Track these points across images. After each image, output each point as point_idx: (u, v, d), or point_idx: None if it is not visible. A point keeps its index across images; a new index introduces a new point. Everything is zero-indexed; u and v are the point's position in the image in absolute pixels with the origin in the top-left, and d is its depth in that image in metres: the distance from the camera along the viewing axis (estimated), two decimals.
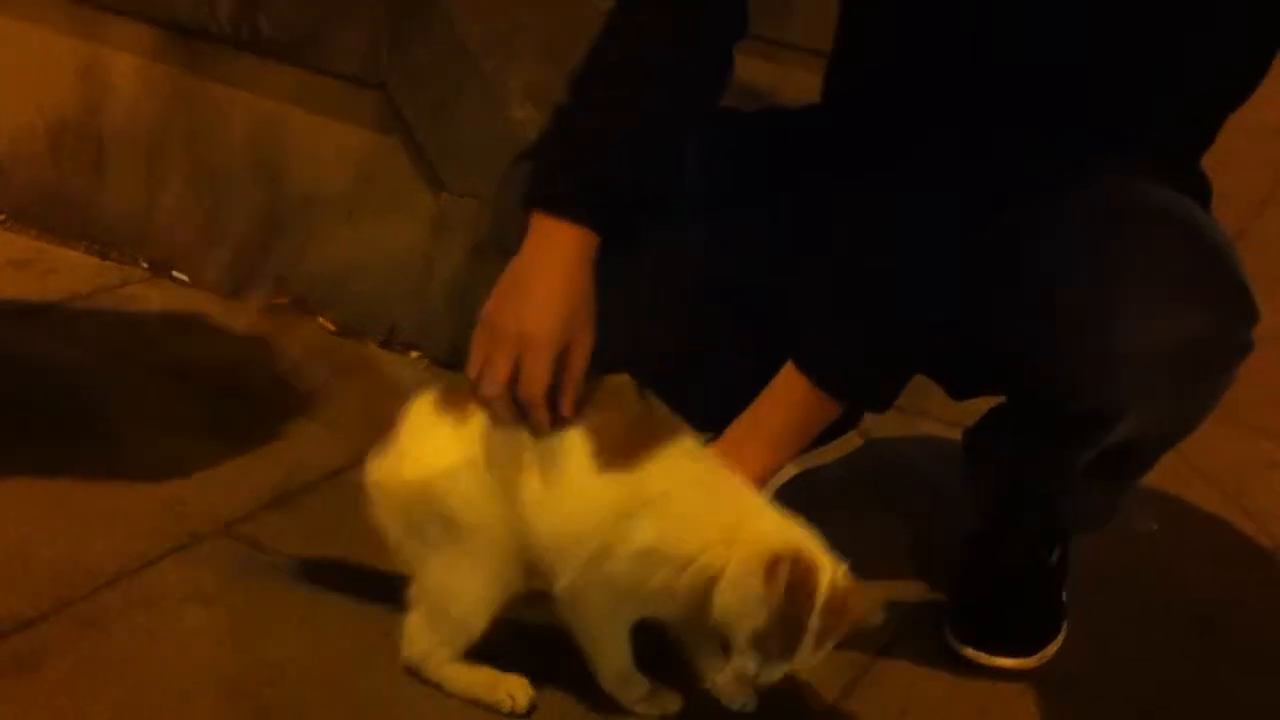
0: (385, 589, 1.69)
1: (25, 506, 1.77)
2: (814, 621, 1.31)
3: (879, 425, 2.01)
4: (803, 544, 1.36)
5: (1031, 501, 1.74)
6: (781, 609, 1.31)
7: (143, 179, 2.45)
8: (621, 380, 1.47)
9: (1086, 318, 1.46)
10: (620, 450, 1.42)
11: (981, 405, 1.72)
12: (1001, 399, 1.70)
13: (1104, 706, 1.71)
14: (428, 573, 1.52)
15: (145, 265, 2.45)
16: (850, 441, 1.95)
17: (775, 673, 1.36)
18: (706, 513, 1.40)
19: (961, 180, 1.49)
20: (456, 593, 1.51)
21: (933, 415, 2.19)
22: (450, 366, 2.26)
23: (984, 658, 1.73)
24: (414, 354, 2.31)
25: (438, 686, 1.54)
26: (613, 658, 1.51)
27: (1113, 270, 1.46)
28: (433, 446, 1.50)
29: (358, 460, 1.94)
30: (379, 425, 1.92)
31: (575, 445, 1.43)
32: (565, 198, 1.45)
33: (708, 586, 1.38)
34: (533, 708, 1.54)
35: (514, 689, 1.54)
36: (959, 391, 1.75)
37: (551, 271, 1.44)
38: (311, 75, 2.33)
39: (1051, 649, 1.76)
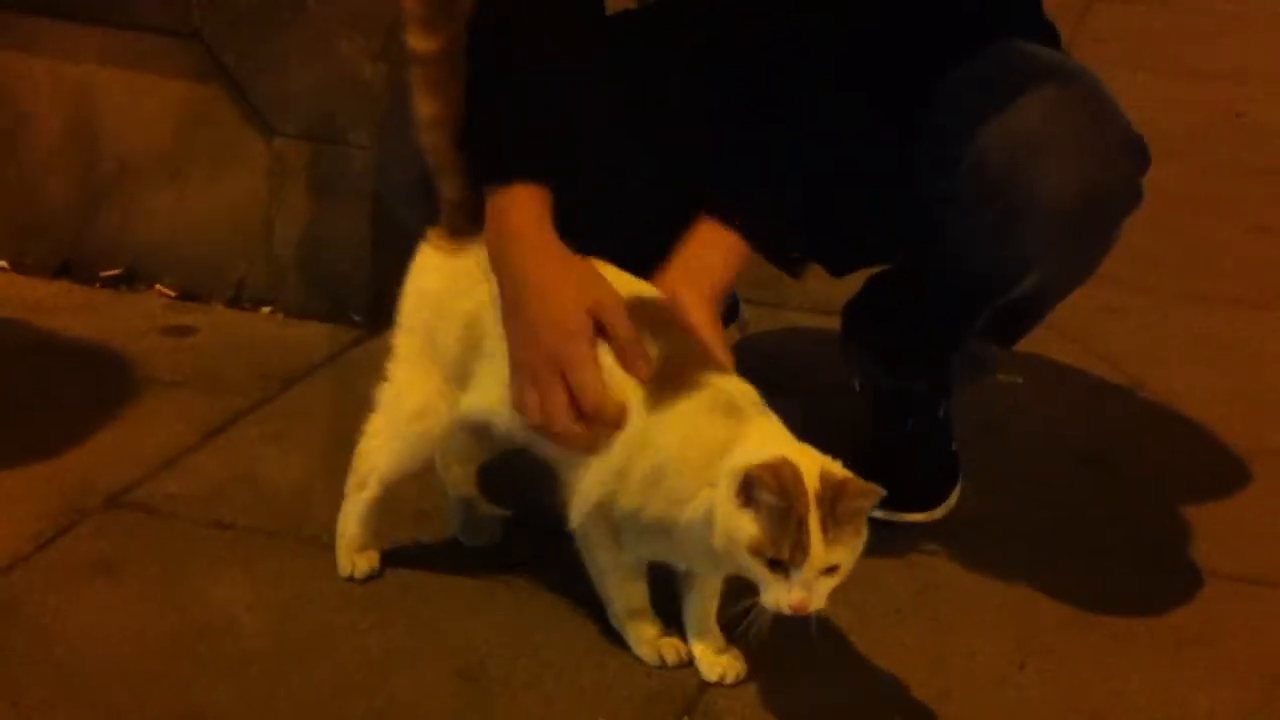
0: (292, 528, 1.69)
1: None
2: (811, 513, 1.29)
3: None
4: (782, 452, 1.33)
5: (925, 362, 1.79)
6: (770, 511, 1.29)
7: None
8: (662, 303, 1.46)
9: (992, 178, 1.51)
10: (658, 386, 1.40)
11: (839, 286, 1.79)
12: (876, 270, 1.75)
13: (1011, 544, 1.78)
14: (398, 373, 1.54)
15: None
16: (730, 336, 1.97)
17: (809, 587, 1.30)
18: (704, 451, 1.37)
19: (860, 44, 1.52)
20: (417, 402, 1.52)
21: (792, 306, 2.26)
22: (305, 317, 2.21)
23: (893, 515, 1.78)
24: (265, 309, 2.24)
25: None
26: (623, 595, 1.50)
27: (1015, 132, 1.50)
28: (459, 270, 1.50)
29: (231, 419, 1.92)
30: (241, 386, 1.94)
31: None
32: (503, 164, 1.45)
33: (706, 521, 1.36)
34: (370, 578, 1.59)
35: (359, 560, 1.59)
36: (840, 267, 1.79)
37: (528, 260, 1.43)
38: (118, 32, 2.22)
39: (953, 498, 1.82)
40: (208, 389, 2.00)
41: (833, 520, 1.29)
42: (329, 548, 1.62)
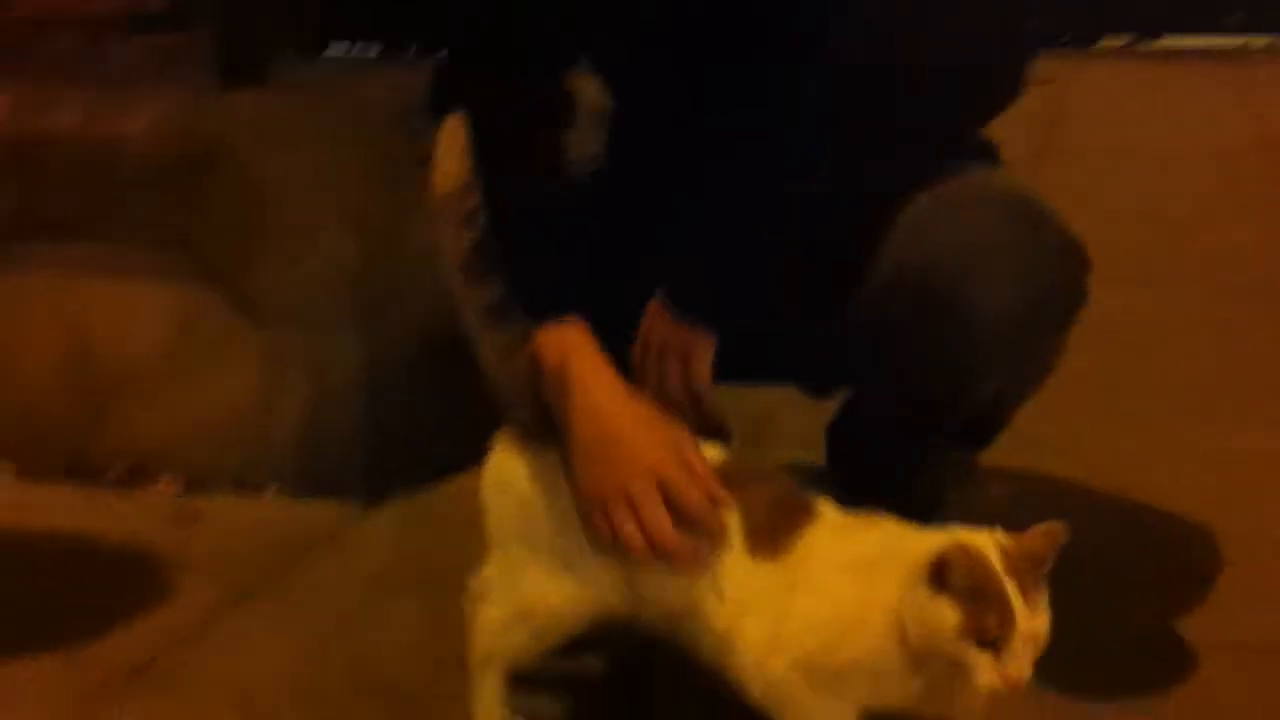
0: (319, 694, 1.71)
1: None
2: (1007, 582, 1.29)
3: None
4: (947, 536, 1.34)
5: (894, 481, 1.84)
6: (968, 592, 1.29)
7: None
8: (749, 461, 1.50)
9: (942, 295, 1.58)
10: (767, 531, 1.42)
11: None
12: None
13: None
14: (524, 577, 1.51)
15: None
16: None
17: (1018, 659, 1.29)
18: (855, 572, 1.38)
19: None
20: (548, 603, 1.50)
21: (774, 444, 2.32)
22: (307, 496, 2.26)
23: None
24: (267, 494, 2.30)
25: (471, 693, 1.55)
26: None
27: (961, 251, 1.59)
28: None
29: (235, 600, 1.96)
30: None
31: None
32: (551, 304, 1.51)
33: (897, 636, 1.35)
34: None
35: None
36: (819, 390, 1.86)
37: (603, 391, 1.47)
38: (109, 246, 2.33)
39: None
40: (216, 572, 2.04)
41: (1028, 583, 1.30)
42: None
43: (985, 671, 1.29)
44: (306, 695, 1.73)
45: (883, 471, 1.85)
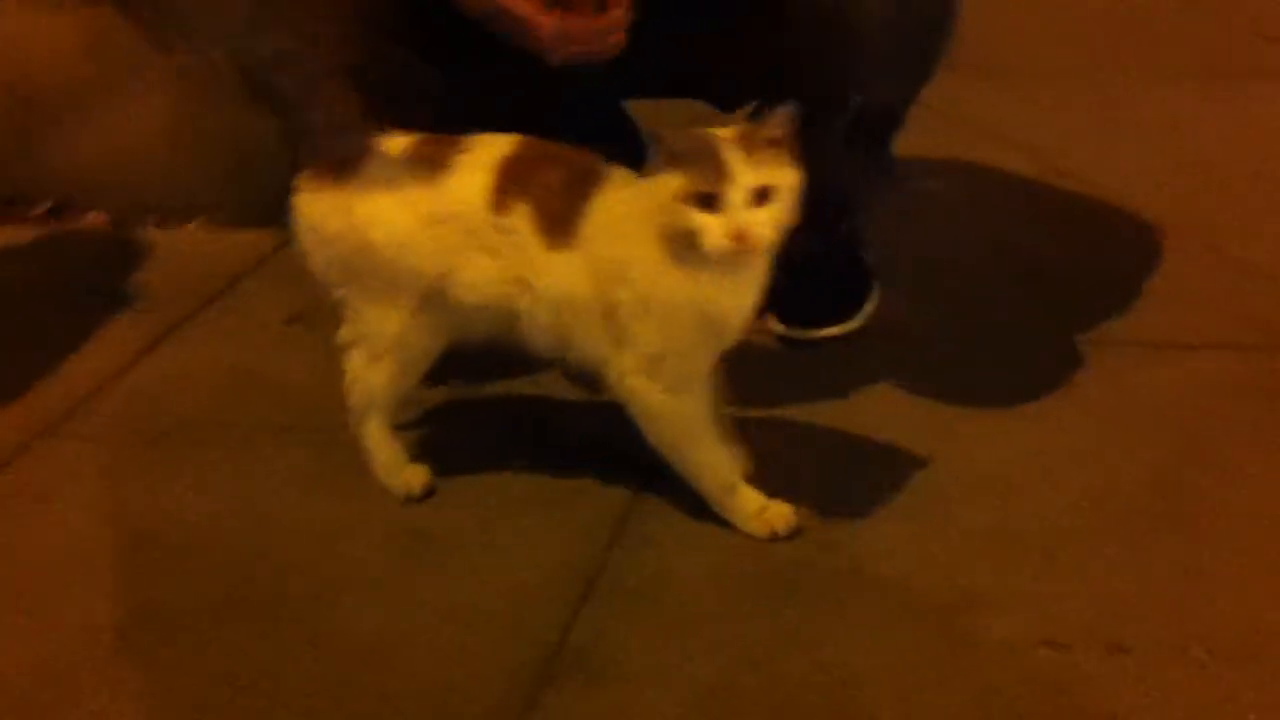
0: (241, 428, 1.75)
1: None
2: (726, 144, 1.35)
3: None
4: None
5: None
6: (687, 154, 1.36)
7: None
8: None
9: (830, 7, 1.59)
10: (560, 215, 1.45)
11: None
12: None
13: (929, 351, 1.84)
14: (365, 320, 1.54)
15: None
16: None
17: (737, 212, 1.35)
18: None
19: None
20: (394, 342, 1.53)
21: None
22: (234, 226, 2.24)
23: (809, 333, 1.83)
24: (192, 225, 2.28)
25: (359, 442, 1.59)
26: (711, 462, 1.51)
27: None
28: (393, 199, 1.48)
29: (164, 335, 1.97)
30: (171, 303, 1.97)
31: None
32: None
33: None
34: (428, 494, 1.59)
35: (412, 477, 1.60)
36: (726, 104, 1.81)
37: None
38: None
39: (869, 307, 1.86)
40: (141, 309, 2.05)
41: (751, 146, 1.36)
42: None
43: (711, 231, 1.36)
44: (225, 429, 1.75)
45: None
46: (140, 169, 2.30)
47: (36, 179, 2.33)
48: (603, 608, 1.43)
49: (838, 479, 1.59)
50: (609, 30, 1.55)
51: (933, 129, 1.95)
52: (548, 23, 1.53)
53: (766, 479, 1.54)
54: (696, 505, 1.53)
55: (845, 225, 1.86)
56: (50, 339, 1.97)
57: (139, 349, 1.94)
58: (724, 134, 1.38)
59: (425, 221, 1.47)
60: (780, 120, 1.38)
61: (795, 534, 1.50)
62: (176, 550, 1.54)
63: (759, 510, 1.51)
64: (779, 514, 1.51)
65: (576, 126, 1.52)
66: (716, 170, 1.35)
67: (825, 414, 1.70)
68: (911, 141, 1.81)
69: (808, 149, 1.70)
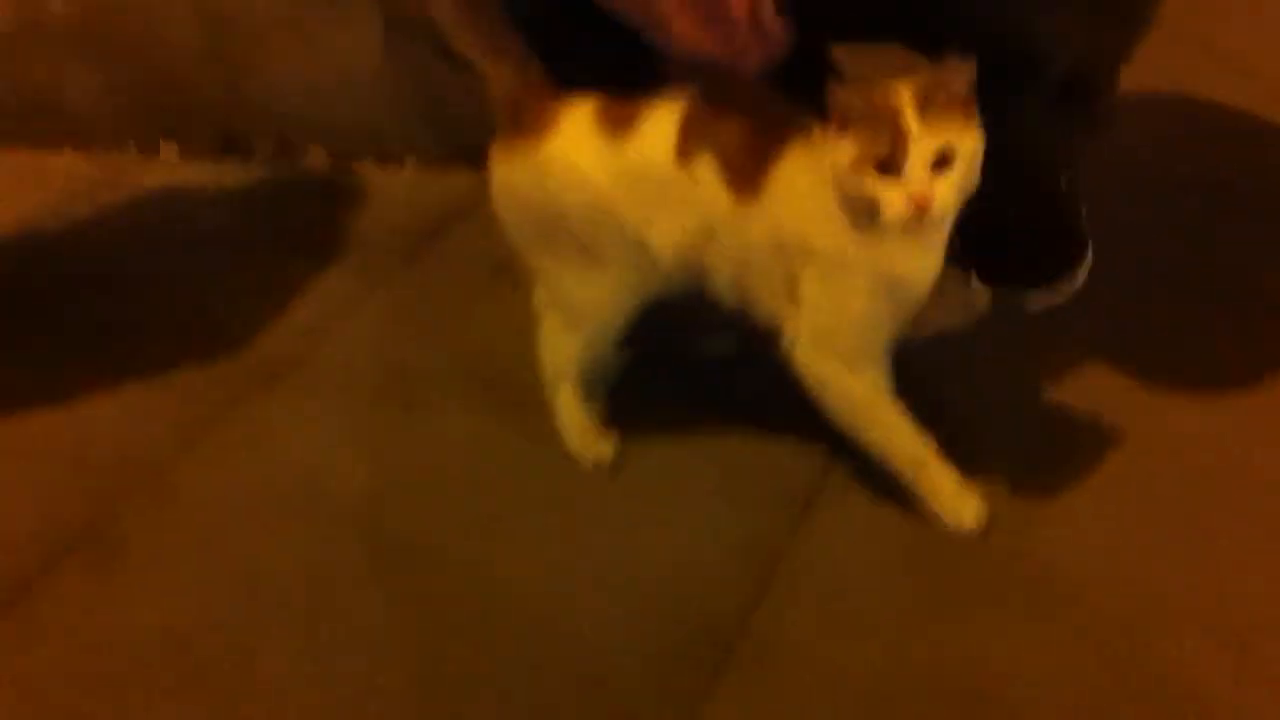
0: (437, 383, 1.77)
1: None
2: (904, 105, 1.29)
3: None
4: None
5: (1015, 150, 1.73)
6: (862, 120, 1.30)
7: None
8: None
9: None
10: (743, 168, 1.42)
11: None
12: None
13: (1129, 323, 1.74)
14: (559, 285, 1.55)
15: (133, 147, 2.46)
16: None
17: (917, 176, 1.30)
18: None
19: None
20: (590, 304, 1.54)
21: None
22: (446, 166, 2.27)
23: (1016, 296, 1.76)
24: (406, 165, 2.32)
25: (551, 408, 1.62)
26: (901, 439, 1.48)
27: None
28: (586, 159, 1.47)
29: (377, 284, 2.01)
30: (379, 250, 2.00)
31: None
32: None
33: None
34: (616, 463, 1.60)
35: (603, 447, 1.61)
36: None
37: None
38: None
39: (1082, 272, 1.78)
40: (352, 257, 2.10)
41: (929, 104, 1.29)
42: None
43: (890, 198, 1.30)
44: (423, 383, 1.80)
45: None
46: (355, 104, 2.33)
47: (258, 118, 2.39)
48: (784, 595, 1.42)
49: (1030, 468, 1.54)
50: (745, 52, 1.39)
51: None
52: (685, 32, 1.39)
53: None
54: (884, 486, 1.51)
55: (1054, 184, 1.77)
56: (268, 287, 2.03)
57: (353, 298, 2.00)
58: (901, 90, 1.31)
59: (618, 181, 1.47)
60: (960, 72, 1.31)
61: (985, 528, 1.46)
62: (343, 510, 1.58)
63: (955, 491, 1.48)
64: (970, 505, 1.47)
65: None
66: (894, 133, 1.29)
67: (1017, 387, 1.65)
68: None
69: (1009, 117, 1.64)
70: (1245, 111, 2.04)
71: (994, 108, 1.61)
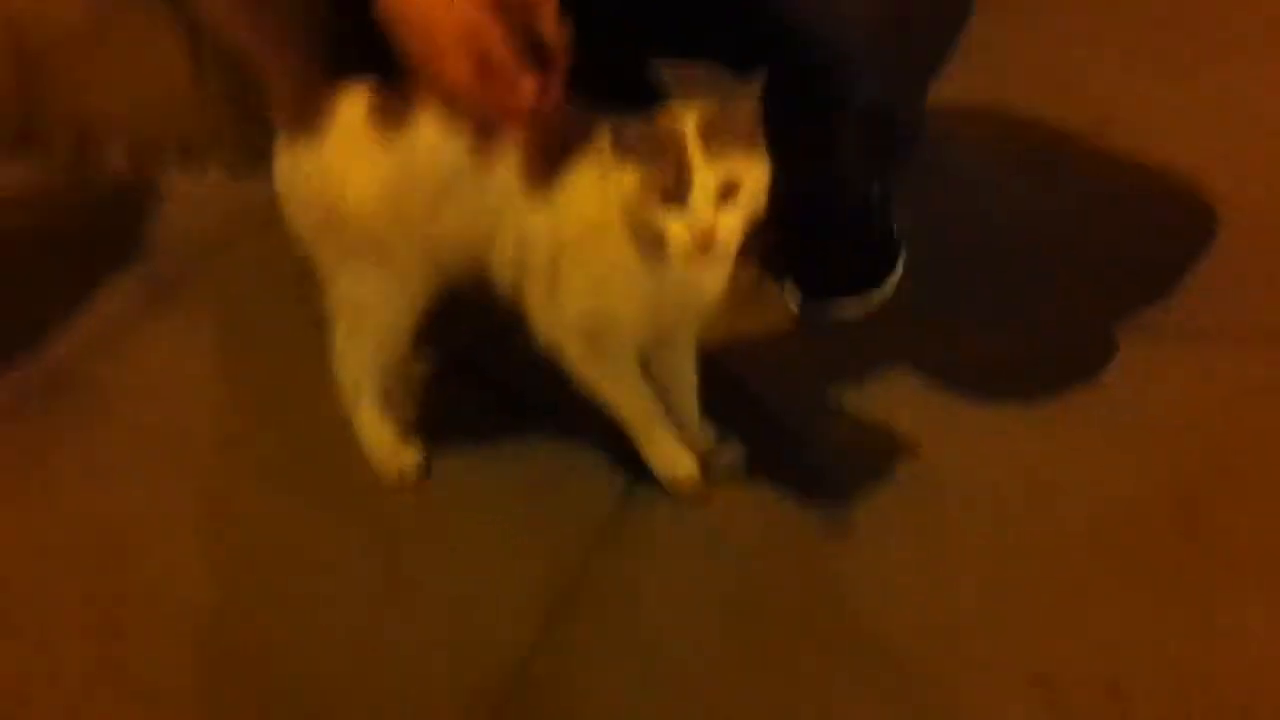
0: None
1: None
2: (687, 137, 1.25)
3: None
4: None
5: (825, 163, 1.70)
6: (643, 152, 1.27)
7: None
8: None
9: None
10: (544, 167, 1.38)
11: None
12: None
13: (946, 334, 1.72)
14: (348, 284, 1.49)
15: None
16: None
17: (700, 209, 1.26)
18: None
19: None
20: (379, 304, 1.49)
21: None
22: (248, 171, 2.18)
23: (826, 305, 1.75)
24: (209, 170, 2.22)
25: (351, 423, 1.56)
26: (633, 395, 1.49)
27: None
28: (362, 160, 1.42)
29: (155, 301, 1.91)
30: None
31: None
32: None
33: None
34: (421, 477, 1.56)
35: (406, 460, 1.57)
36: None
37: None
38: None
39: (892, 281, 1.77)
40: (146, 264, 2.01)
41: (713, 136, 1.25)
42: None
43: (676, 230, 1.27)
44: (221, 409, 1.73)
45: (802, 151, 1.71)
46: (159, 106, 2.24)
47: (47, 114, 2.28)
48: (571, 627, 1.38)
49: (827, 477, 1.52)
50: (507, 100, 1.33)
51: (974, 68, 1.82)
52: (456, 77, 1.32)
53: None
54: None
55: (864, 196, 1.74)
56: (58, 293, 1.93)
57: (144, 306, 1.91)
58: (685, 122, 1.27)
59: (400, 175, 1.41)
60: (745, 100, 1.27)
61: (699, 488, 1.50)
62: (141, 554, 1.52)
63: (673, 450, 1.52)
64: (684, 463, 1.52)
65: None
66: (679, 165, 1.25)
67: (823, 400, 1.62)
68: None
69: (818, 130, 1.61)
70: (1058, 128, 2.03)
71: (803, 120, 1.60)
